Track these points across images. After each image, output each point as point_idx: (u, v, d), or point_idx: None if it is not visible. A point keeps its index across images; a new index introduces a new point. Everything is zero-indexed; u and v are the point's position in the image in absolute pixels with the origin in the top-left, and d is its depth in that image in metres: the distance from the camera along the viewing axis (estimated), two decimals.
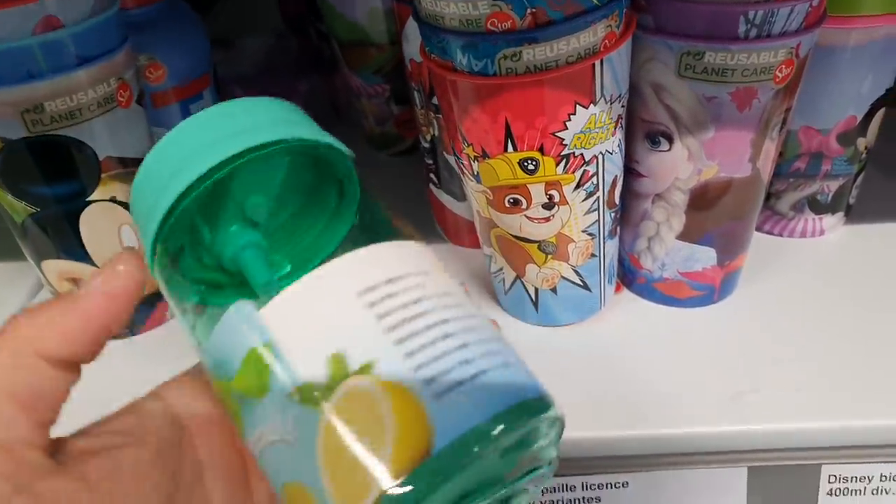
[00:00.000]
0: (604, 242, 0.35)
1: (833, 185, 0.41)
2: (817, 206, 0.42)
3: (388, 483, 0.16)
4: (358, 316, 0.18)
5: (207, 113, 0.20)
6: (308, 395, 0.18)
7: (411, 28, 0.36)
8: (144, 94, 0.38)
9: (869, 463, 0.33)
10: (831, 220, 0.43)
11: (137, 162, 0.36)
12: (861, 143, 0.40)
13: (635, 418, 0.33)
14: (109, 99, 0.34)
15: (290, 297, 0.18)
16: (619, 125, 0.31)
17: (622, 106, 0.31)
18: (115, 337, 0.39)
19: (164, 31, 0.42)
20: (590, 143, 0.30)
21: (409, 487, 0.16)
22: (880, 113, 0.39)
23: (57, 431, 0.19)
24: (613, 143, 0.32)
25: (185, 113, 0.44)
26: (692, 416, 0.33)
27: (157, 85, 0.42)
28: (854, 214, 0.44)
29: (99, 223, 0.36)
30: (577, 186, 0.32)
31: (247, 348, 0.18)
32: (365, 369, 0.17)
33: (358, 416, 0.17)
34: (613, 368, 0.35)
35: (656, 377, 0.35)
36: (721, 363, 0.35)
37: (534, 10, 0.26)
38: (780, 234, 0.43)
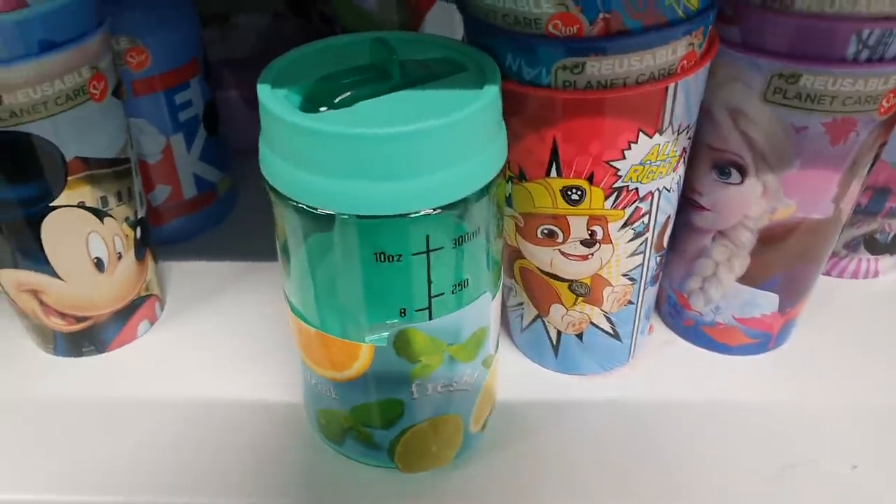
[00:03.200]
0: (644, 289, 0.30)
1: (895, 225, 0.37)
2: (875, 246, 0.37)
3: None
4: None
5: None
6: (489, 362, 0.27)
7: (431, 21, 0.31)
8: (122, 84, 0.32)
9: None
10: (888, 262, 0.38)
11: (110, 163, 0.31)
12: None
13: (666, 492, 0.28)
14: (80, 91, 0.28)
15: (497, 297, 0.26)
16: (683, 159, 0.26)
17: (689, 138, 0.26)
18: (84, 354, 0.32)
19: (148, 10, 0.36)
20: (647, 178, 0.25)
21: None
22: None
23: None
24: (673, 179, 0.26)
25: (171, 103, 0.38)
26: (731, 494, 0.28)
27: (139, 71, 0.37)
28: None
29: (63, 231, 0.30)
30: (625, 225, 0.27)
31: (479, 326, 0.25)
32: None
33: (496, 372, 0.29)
34: (641, 430, 0.30)
35: (692, 441, 0.30)
36: (769, 427, 0.30)
37: (608, 14, 0.21)
38: (829, 274, 0.39)
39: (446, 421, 0.27)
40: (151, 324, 0.36)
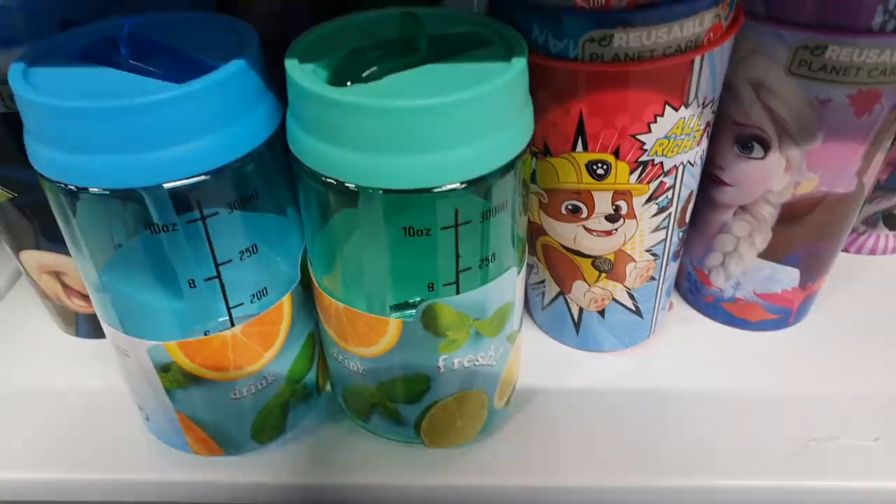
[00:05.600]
0: (666, 265, 0.30)
1: None
2: (894, 222, 0.37)
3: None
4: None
5: None
6: (513, 338, 0.27)
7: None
8: None
9: None
10: None
11: None
12: None
13: (689, 466, 0.28)
14: None
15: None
16: (707, 133, 0.26)
17: (713, 112, 0.26)
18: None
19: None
20: (672, 152, 0.25)
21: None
22: None
23: None
24: (697, 153, 0.26)
25: None
26: (756, 467, 0.28)
27: None
28: None
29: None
30: (650, 199, 0.27)
31: (505, 301, 0.25)
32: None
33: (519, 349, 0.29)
34: (664, 405, 0.30)
35: (714, 416, 0.30)
36: (792, 401, 0.30)
37: None
38: (847, 250, 0.39)
39: (471, 396, 0.27)
40: None
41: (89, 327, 0.34)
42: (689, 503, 0.28)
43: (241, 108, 0.22)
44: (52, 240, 0.31)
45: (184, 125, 0.21)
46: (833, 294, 0.35)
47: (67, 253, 0.31)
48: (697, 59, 0.23)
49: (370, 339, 0.24)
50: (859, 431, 0.29)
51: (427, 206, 0.21)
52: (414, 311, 0.23)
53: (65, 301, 0.33)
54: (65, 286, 0.32)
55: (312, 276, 0.25)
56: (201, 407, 0.27)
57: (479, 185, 0.21)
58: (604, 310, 0.31)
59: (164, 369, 0.25)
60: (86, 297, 0.33)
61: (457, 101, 0.19)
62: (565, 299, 0.31)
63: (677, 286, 0.36)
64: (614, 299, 0.30)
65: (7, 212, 0.30)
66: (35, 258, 0.32)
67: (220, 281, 0.24)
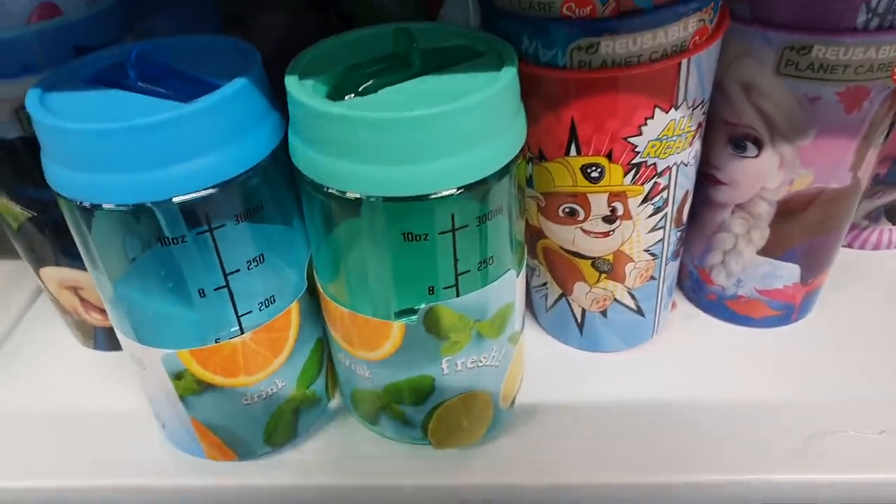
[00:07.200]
0: (665, 264, 0.30)
1: None
2: (895, 216, 0.38)
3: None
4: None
5: None
6: (515, 339, 0.28)
7: (448, 9, 0.32)
8: None
9: None
10: None
11: None
12: None
13: (694, 462, 0.28)
14: None
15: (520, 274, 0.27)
16: (698, 134, 0.27)
17: (704, 113, 0.26)
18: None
19: (172, 14, 0.37)
20: (665, 153, 0.26)
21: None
22: None
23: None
24: (690, 154, 0.27)
25: None
26: (761, 462, 0.28)
27: None
28: None
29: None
30: (645, 200, 0.27)
31: (505, 303, 0.26)
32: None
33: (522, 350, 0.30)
34: (669, 403, 0.31)
35: (720, 413, 0.30)
36: (796, 396, 0.31)
37: None
38: (850, 245, 0.39)
39: (476, 397, 0.27)
40: None
41: (106, 340, 0.35)
42: (695, 499, 0.29)
43: (245, 124, 0.23)
44: (70, 256, 0.32)
45: (191, 142, 0.22)
46: (837, 289, 0.36)
47: (84, 268, 0.32)
48: (684, 62, 0.23)
49: (375, 343, 0.25)
50: (864, 424, 0.29)
51: (425, 211, 0.22)
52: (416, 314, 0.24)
53: (83, 315, 0.34)
54: (82, 300, 0.34)
55: (318, 283, 0.26)
56: (214, 413, 0.28)
57: (475, 190, 0.22)
58: (606, 310, 0.31)
59: (178, 377, 0.26)
60: (102, 311, 0.34)
61: (450, 111, 0.20)
62: (567, 301, 0.32)
63: (680, 285, 0.36)
64: (615, 299, 0.31)
65: (27, 230, 0.31)
66: (54, 274, 0.33)
67: (229, 290, 0.25)
